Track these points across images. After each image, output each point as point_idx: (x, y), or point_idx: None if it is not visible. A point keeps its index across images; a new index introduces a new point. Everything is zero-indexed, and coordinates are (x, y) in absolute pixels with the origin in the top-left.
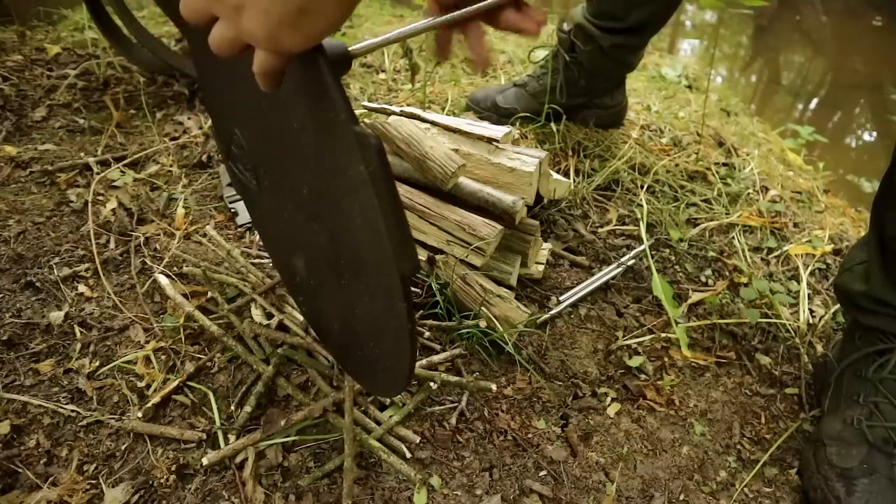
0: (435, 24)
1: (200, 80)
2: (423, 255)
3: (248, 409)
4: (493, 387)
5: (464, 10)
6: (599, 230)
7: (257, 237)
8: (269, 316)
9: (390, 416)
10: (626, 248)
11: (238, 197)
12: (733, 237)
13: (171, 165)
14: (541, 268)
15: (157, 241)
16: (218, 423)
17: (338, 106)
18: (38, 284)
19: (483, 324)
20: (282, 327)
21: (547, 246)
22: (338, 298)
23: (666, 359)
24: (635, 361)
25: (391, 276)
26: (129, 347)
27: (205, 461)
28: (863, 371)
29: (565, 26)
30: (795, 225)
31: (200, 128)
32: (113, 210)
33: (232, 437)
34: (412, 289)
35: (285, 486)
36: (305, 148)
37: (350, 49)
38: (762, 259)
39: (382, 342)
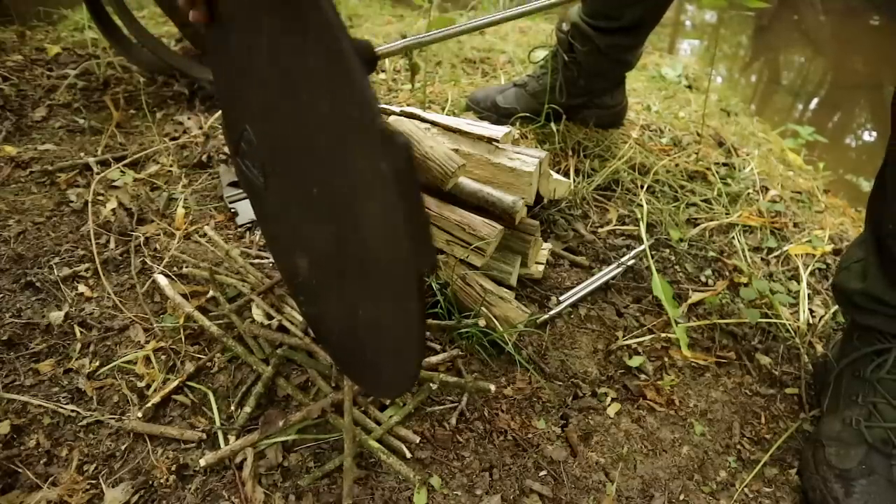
0: (474, 27)
1: (215, 75)
2: None
3: (247, 409)
4: (492, 387)
5: None
6: (599, 230)
7: (257, 237)
8: (270, 317)
9: (390, 417)
10: (626, 248)
11: (238, 197)
12: (733, 237)
13: (171, 165)
14: (541, 268)
15: (157, 241)
16: (218, 423)
17: (368, 105)
18: (38, 284)
19: (483, 324)
20: (281, 328)
21: (547, 246)
22: (340, 299)
23: (666, 359)
24: (635, 361)
25: (404, 277)
26: (129, 347)
27: (203, 462)
28: (861, 371)
29: (564, 26)
30: (795, 225)
31: (200, 128)
32: (113, 210)
33: (232, 438)
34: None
35: (285, 486)
36: (321, 147)
37: (377, 50)
38: (762, 259)
39: (387, 343)
